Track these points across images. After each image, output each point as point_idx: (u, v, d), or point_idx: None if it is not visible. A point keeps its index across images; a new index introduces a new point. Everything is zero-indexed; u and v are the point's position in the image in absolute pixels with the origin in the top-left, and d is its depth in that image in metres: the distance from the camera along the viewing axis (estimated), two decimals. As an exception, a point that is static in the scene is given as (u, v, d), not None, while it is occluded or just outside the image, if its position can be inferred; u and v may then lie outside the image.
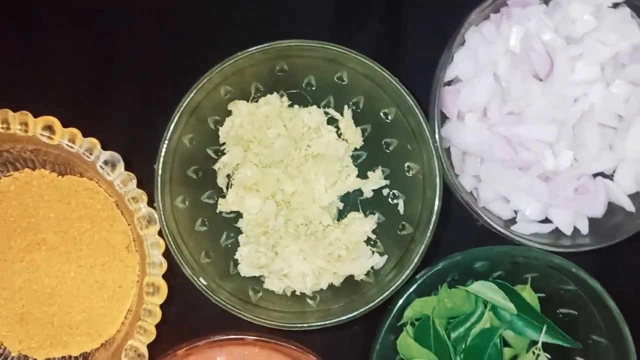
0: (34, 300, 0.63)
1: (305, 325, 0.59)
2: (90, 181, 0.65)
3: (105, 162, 0.58)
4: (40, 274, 0.63)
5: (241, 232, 0.66)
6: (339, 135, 0.67)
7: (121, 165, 0.58)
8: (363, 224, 0.65)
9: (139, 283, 0.64)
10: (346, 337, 0.67)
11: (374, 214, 0.66)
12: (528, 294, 0.66)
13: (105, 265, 0.64)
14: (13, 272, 0.63)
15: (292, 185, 0.65)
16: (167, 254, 0.59)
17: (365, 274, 0.64)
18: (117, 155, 0.58)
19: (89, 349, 0.65)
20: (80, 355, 0.65)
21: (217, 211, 0.66)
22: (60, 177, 0.65)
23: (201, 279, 0.59)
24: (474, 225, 0.63)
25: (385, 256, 0.63)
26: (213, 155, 0.66)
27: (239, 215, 0.66)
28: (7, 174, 0.65)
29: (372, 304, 0.59)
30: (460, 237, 0.64)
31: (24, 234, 0.63)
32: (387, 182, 0.66)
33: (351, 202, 0.67)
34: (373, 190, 0.67)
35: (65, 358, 0.65)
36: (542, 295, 0.66)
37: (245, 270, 0.64)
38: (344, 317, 0.59)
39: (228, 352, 0.62)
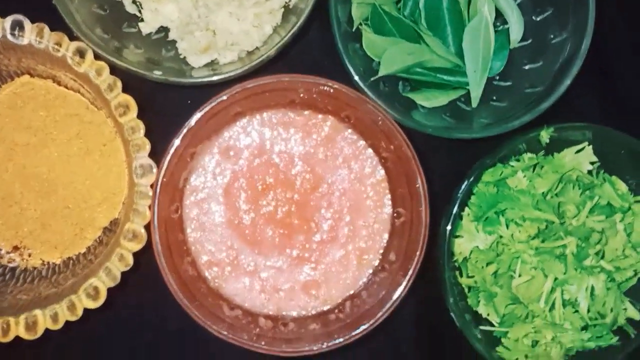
0: (40, 197, 0.65)
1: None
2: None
3: (12, 27, 0.59)
4: (29, 170, 0.65)
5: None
6: None
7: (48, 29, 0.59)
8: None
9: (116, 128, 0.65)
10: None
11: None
12: None
13: (79, 133, 0.65)
14: (8, 184, 0.65)
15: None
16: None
17: None
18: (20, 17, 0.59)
19: (116, 215, 0.66)
20: (111, 224, 0.66)
21: (144, 35, 0.67)
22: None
23: (155, 71, 0.60)
24: None
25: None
26: (109, -11, 0.67)
27: (167, 31, 0.68)
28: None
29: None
30: None
31: (-5, 150, 0.65)
32: None
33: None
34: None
35: (102, 236, 0.66)
36: None
37: (195, 60, 0.65)
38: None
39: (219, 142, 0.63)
